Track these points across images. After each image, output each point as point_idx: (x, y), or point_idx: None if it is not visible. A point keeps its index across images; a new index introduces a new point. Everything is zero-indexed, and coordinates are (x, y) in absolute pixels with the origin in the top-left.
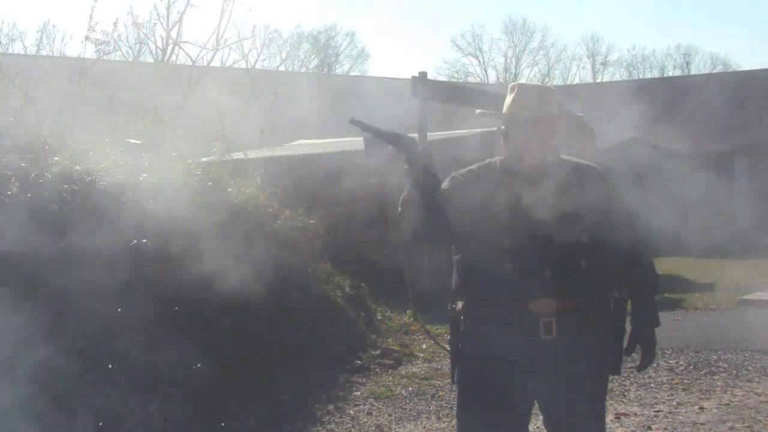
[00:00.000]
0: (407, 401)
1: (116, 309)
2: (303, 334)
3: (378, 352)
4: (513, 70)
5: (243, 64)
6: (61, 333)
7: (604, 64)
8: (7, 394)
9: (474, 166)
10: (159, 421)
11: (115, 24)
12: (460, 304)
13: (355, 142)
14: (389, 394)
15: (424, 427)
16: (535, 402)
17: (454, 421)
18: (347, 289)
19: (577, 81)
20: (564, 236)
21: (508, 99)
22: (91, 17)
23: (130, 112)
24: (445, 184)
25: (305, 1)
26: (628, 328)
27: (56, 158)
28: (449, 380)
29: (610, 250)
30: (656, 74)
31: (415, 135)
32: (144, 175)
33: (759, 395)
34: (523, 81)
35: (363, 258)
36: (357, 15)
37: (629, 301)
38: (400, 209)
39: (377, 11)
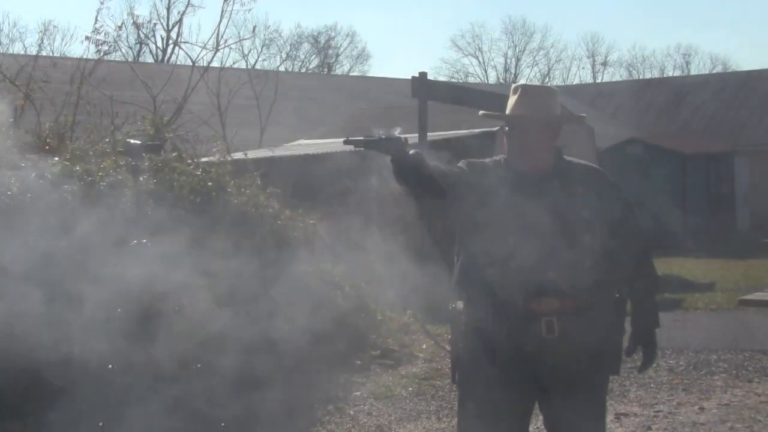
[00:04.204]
0: (407, 401)
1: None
2: (302, 334)
3: (378, 352)
4: (513, 71)
5: (243, 65)
6: None
7: (604, 64)
8: None
9: (487, 160)
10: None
11: (119, 27)
12: (460, 304)
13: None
14: (389, 394)
15: (424, 428)
16: (536, 402)
17: (455, 421)
18: (347, 288)
19: (577, 81)
20: (566, 236)
21: (512, 99)
22: (96, 19)
23: (130, 112)
24: (456, 167)
25: (306, 1)
26: (629, 328)
27: (56, 158)
28: (449, 380)
29: (612, 250)
30: (656, 74)
31: (416, 135)
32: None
33: (759, 395)
34: (523, 81)
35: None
36: (357, 15)
37: (630, 302)
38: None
39: (377, 11)
